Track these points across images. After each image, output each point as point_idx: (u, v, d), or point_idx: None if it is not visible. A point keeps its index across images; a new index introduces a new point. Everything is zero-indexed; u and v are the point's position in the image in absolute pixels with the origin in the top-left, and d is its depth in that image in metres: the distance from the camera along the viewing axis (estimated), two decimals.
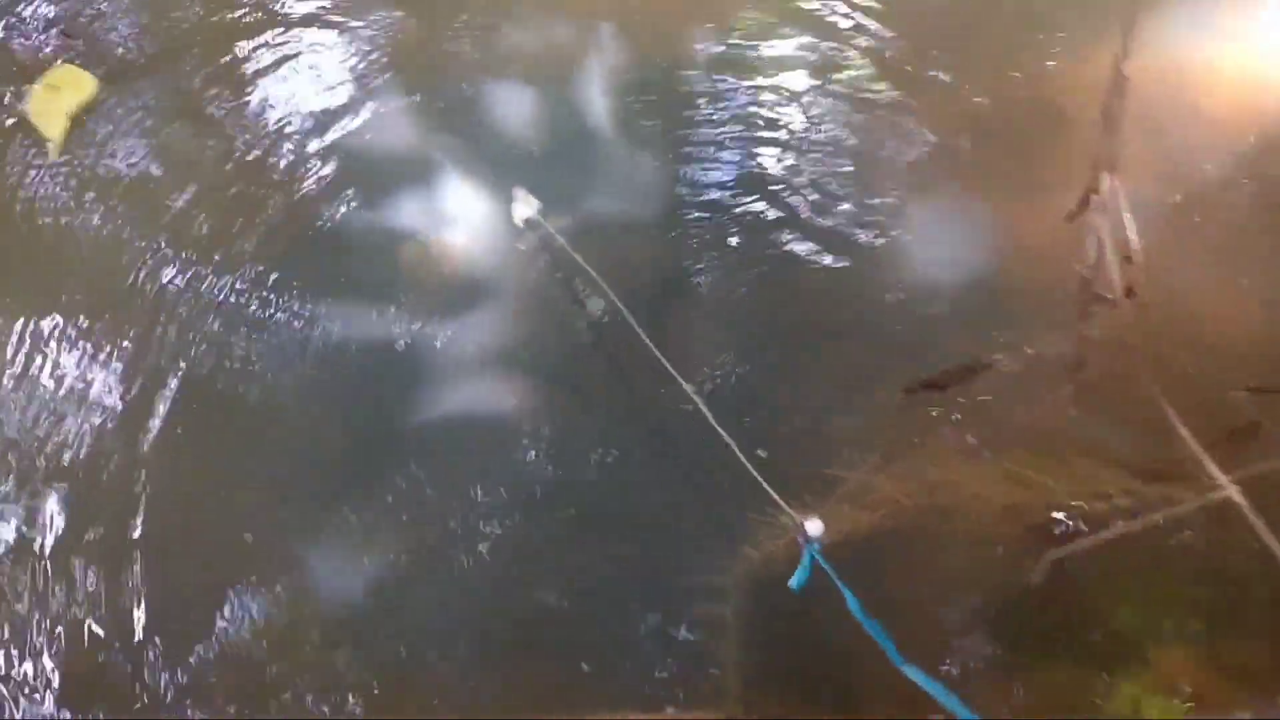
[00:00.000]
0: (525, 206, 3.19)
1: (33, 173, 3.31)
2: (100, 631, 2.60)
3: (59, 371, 2.96)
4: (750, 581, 2.61)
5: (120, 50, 3.54)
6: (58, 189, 3.28)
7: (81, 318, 3.07)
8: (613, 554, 2.73)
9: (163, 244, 3.18)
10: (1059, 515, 2.59)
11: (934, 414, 2.79)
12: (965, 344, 2.88)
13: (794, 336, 3.05)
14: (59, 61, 3.44)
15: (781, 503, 2.38)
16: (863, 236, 3.20)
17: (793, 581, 2.27)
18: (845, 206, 3.26)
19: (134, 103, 3.45)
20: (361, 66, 3.57)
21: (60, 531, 2.73)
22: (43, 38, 3.47)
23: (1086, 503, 2.56)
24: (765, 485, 2.39)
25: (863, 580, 2.43)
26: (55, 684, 2.54)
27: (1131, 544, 2.44)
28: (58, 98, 3.36)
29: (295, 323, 3.05)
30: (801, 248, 3.19)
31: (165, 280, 3.12)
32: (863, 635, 2.13)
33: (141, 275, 3.13)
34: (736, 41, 3.66)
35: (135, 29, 3.57)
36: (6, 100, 3.41)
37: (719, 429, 2.51)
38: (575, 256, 3.00)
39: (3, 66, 3.48)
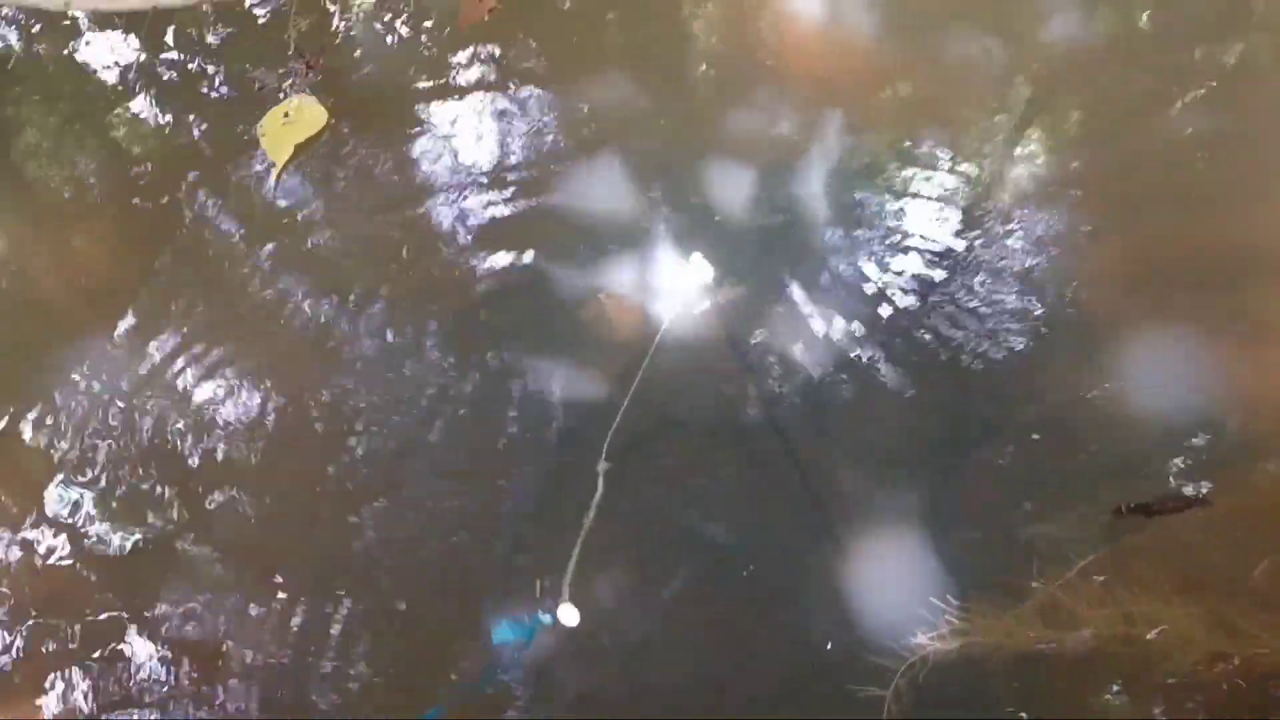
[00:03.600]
0: (698, 273, 3.27)
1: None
2: None
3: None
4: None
5: (354, 86, 3.71)
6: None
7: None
8: (789, 630, 2.80)
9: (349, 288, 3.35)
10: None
11: (1138, 541, 2.73)
12: (1182, 475, 2.80)
13: (995, 434, 3.00)
14: (298, 92, 3.62)
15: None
16: (1085, 346, 3.12)
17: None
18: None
19: (352, 144, 3.61)
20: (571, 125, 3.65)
21: None
22: (289, 67, 3.66)
23: None
24: None
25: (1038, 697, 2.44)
26: None
27: None
28: (290, 127, 3.54)
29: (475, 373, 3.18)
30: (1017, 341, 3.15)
31: (323, 319, 3.31)
32: None
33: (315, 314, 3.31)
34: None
35: (371, 67, 3.73)
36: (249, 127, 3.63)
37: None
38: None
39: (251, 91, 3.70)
